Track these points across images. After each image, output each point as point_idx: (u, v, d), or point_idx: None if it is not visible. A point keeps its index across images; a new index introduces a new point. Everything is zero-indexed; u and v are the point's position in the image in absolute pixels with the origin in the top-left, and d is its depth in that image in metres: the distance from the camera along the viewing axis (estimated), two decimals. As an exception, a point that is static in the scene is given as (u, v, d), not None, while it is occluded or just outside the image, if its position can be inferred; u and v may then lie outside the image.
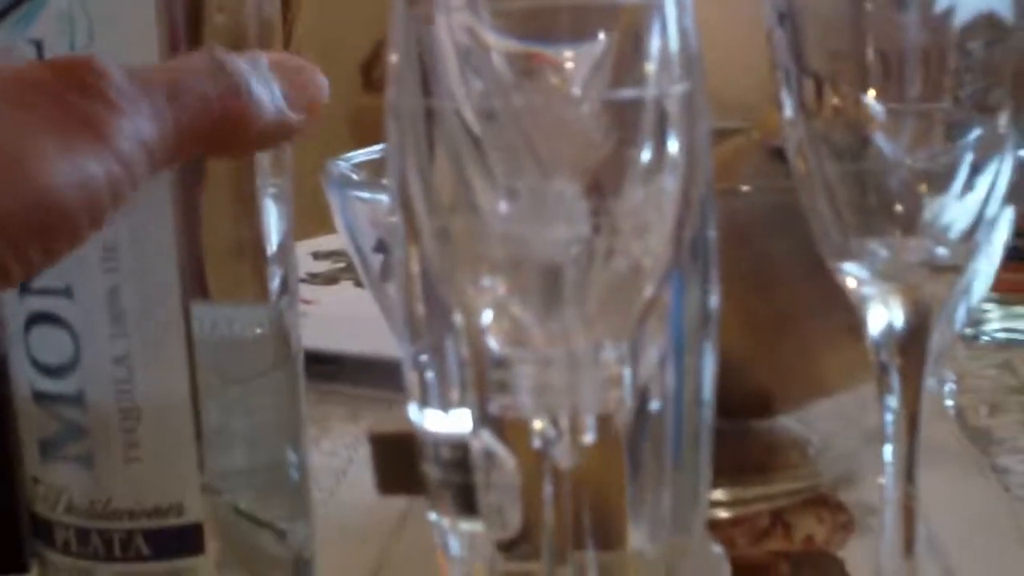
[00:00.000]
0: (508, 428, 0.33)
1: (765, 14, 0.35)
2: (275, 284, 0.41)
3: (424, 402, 0.34)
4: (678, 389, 0.33)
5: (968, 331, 0.73)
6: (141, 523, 0.39)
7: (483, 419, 0.33)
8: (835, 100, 0.34)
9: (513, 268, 0.29)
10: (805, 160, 0.35)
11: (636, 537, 0.34)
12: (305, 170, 0.45)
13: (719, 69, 0.33)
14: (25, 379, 0.39)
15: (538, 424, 0.30)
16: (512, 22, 0.29)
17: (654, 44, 0.29)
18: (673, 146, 0.29)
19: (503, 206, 0.29)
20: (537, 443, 0.31)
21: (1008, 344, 0.74)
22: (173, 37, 0.37)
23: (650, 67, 0.29)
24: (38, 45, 0.36)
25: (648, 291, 0.30)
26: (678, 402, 0.33)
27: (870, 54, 0.33)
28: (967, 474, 0.57)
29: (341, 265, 0.91)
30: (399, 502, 0.53)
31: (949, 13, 0.33)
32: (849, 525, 0.49)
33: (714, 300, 0.33)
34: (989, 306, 0.74)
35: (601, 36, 0.29)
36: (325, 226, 0.60)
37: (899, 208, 0.34)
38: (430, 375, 0.34)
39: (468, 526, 0.35)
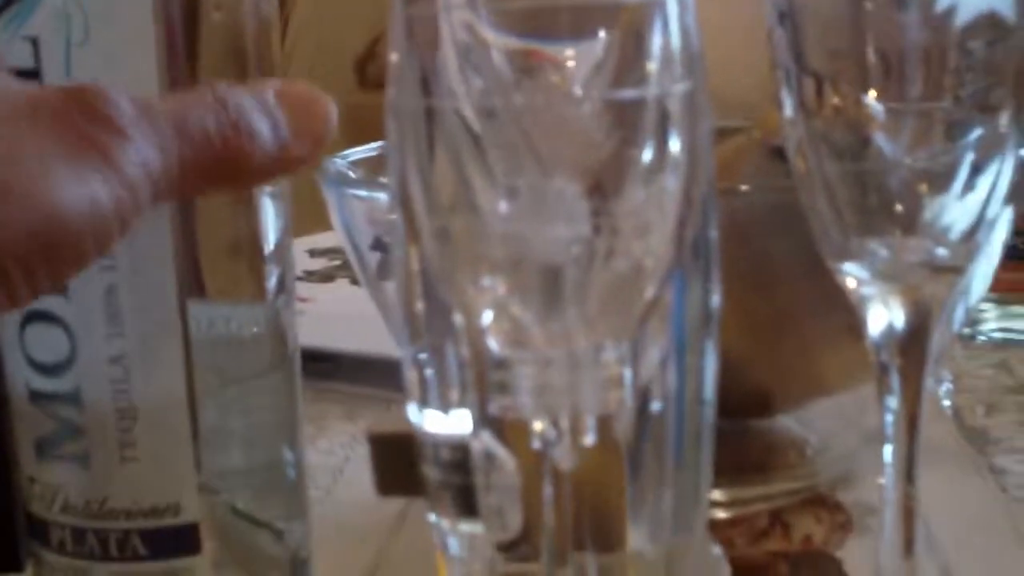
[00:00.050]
0: (508, 429, 0.33)
1: (766, 13, 0.35)
2: (272, 283, 0.40)
3: (424, 403, 0.34)
4: (679, 389, 0.33)
5: (965, 331, 0.73)
6: (137, 523, 0.38)
7: (483, 420, 0.33)
8: (835, 99, 0.34)
9: (513, 268, 0.29)
10: (805, 159, 0.35)
11: (636, 538, 0.34)
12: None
13: (720, 68, 0.33)
14: (21, 378, 0.39)
15: (538, 425, 0.30)
16: (512, 20, 0.29)
17: (656, 43, 0.29)
18: (675, 145, 0.29)
19: (503, 205, 0.29)
20: (537, 444, 0.30)
21: (1005, 344, 0.74)
22: (170, 34, 0.37)
23: (651, 66, 0.29)
24: (34, 42, 0.36)
25: (649, 291, 0.30)
26: (679, 402, 0.33)
27: (870, 53, 0.33)
28: (964, 474, 0.57)
29: (337, 263, 0.91)
30: (396, 501, 0.53)
31: (950, 12, 0.32)
32: (847, 525, 0.49)
33: (716, 300, 0.33)
34: (986, 306, 0.74)
35: (602, 34, 0.29)
36: (321, 223, 0.60)
37: (899, 208, 0.34)
38: (430, 375, 0.34)
39: (468, 527, 0.35)
